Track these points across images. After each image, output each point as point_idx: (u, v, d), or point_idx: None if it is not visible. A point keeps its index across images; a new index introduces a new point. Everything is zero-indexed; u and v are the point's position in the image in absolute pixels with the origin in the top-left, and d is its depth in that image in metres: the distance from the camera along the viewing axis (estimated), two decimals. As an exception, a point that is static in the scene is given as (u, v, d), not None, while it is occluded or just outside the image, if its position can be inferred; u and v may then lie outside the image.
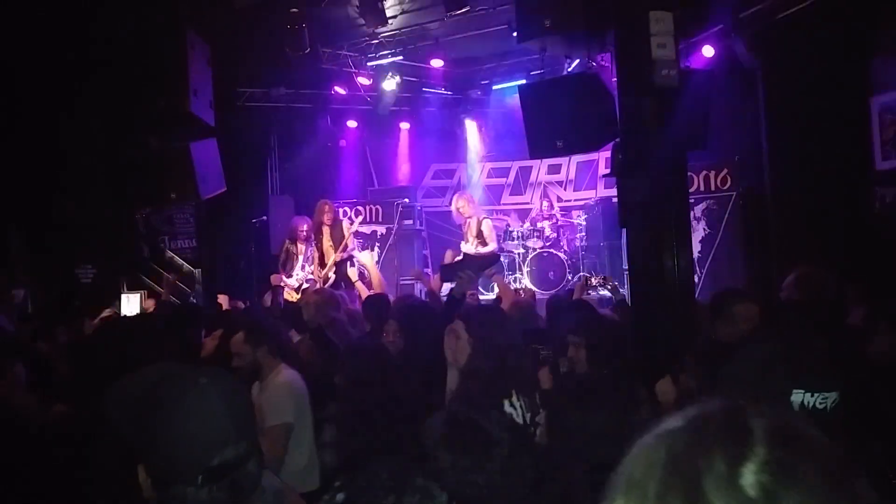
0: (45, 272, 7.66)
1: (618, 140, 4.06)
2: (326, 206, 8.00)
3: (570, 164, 10.30)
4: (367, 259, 6.81)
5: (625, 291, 6.09)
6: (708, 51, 7.75)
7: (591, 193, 9.91)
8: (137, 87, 5.36)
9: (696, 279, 7.56)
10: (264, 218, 8.83)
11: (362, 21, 7.18)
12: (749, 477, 0.58)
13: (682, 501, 0.59)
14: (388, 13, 7.23)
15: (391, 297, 4.99)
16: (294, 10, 7.29)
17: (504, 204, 10.52)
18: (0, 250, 7.34)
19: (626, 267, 5.05)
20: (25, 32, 6.26)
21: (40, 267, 7.61)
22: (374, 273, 5.90)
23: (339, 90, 9.62)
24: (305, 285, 7.63)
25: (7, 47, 6.35)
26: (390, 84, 9.12)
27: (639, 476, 0.63)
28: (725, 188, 8.31)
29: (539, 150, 5.08)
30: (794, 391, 1.40)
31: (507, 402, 2.44)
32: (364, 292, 5.80)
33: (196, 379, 1.26)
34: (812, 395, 1.40)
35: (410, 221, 9.32)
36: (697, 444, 0.62)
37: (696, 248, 7.91)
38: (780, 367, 1.46)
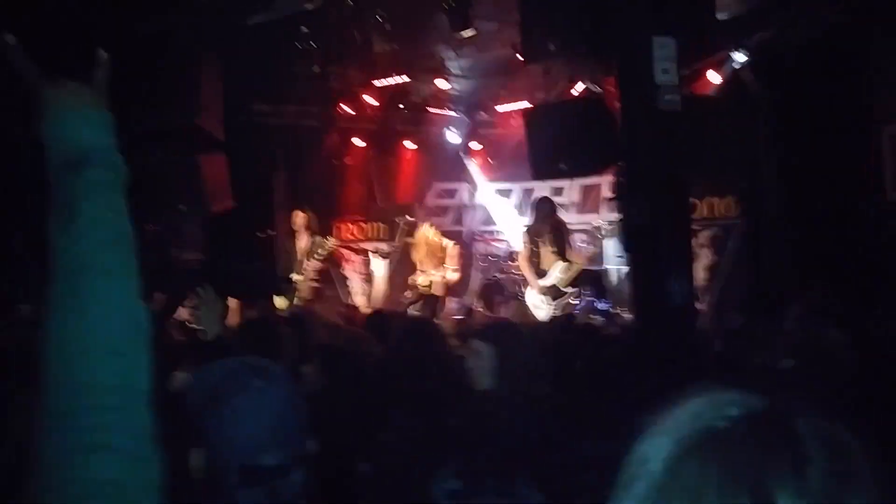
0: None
1: (621, 163, 4.11)
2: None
3: (573, 187, 10.34)
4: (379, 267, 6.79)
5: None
6: (714, 76, 7.83)
7: (594, 217, 9.94)
8: (149, 101, 5.43)
9: (701, 306, 7.56)
10: (272, 232, 8.90)
11: (370, 41, 7.29)
12: (814, 484, 0.59)
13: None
14: (396, 35, 7.35)
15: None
16: (304, 29, 7.39)
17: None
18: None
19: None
20: (36, 47, 6.34)
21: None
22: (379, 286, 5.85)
23: (346, 109, 9.74)
24: None
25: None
26: None
27: (694, 483, 0.62)
28: (731, 215, 8.32)
29: (542, 172, 5.15)
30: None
31: None
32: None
33: (252, 380, 1.28)
34: None
35: (412, 239, 9.37)
36: (752, 454, 0.61)
37: (701, 275, 7.90)
38: None
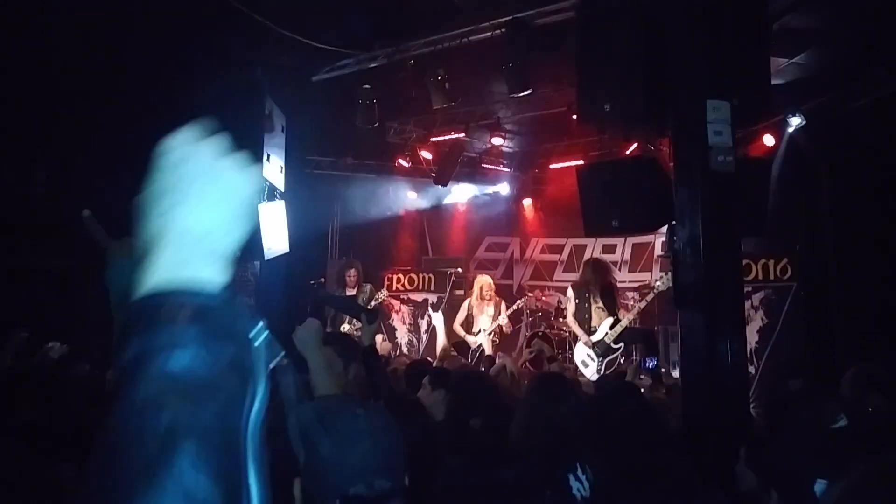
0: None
1: (673, 223, 4.11)
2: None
3: (625, 245, 10.30)
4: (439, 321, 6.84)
5: (676, 375, 5.97)
6: (769, 139, 7.80)
7: (645, 276, 9.84)
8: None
9: (752, 370, 7.33)
10: (322, 280, 9.09)
11: (429, 99, 7.52)
12: None
13: None
14: (454, 93, 7.57)
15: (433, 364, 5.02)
16: (366, 86, 7.71)
17: (556, 280, 10.54)
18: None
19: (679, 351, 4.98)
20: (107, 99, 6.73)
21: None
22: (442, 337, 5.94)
23: (403, 163, 10.03)
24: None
25: (95, 109, 6.86)
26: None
27: None
28: (785, 278, 8.13)
29: (594, 228, 5.15)
30: (818, 480, 1.41)
31: (571, 476, 2.41)
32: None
33: (354, 409, 1.33)
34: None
35: (461, 292, 9.43)
36: None
37: (754, 337, 7.71)
38: (805, 457, 1.47)
